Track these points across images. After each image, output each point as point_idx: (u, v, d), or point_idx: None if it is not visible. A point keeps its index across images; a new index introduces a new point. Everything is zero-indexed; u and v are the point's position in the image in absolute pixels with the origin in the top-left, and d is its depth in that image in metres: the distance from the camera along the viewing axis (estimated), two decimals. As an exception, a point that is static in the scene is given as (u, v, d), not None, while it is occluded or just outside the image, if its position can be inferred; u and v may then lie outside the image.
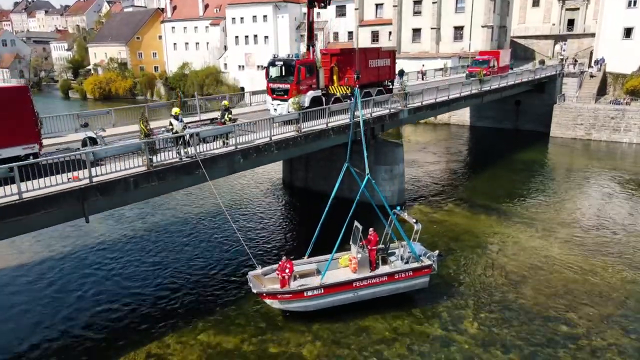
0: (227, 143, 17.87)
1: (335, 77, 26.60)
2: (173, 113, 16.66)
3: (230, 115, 18.60)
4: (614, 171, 35.68)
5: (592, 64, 54.31)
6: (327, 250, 17.77)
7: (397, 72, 43.84)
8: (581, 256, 21.53)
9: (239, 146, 18.07)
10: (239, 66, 78.04)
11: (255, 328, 16.39)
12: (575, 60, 52.39)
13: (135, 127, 23.71)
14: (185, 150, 16.39)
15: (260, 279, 17.37)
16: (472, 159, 41.80)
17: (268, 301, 16.70)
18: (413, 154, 41.15)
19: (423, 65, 48.21)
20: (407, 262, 17.80)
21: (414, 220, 17.74)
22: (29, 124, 14.64)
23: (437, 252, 18.39)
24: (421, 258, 17.65)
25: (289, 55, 24.10)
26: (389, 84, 29.76)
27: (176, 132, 16.37)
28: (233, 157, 17.99)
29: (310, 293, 16.42)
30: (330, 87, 25.14)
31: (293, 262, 17.79)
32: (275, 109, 23.85)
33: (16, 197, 12.54)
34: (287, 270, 16.45)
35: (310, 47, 25.30)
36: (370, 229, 18.38)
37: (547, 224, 25.38)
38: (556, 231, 24.32)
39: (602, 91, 53.03)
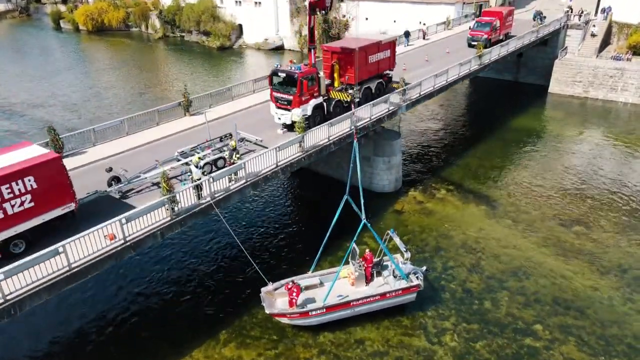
0: (237, 179, 19.58)
1: (336, 75, 27.37)
2: (193, 162, 18.25)
3: (238, 155, 19.99)
4: (608, 145, 37.32)
5: (599, 12, 53.15)
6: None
7: (403, 33, 44.15)
8: (556, 258, 24.15)
9: (248, 179, 19.85)
10: (236, 1, 75.22)
11: (268, 341, 19.42)
12: (582, 11, 51.09)
13: (147, 134, 25.34)
14: (200, 192, 18.24)
15: (271, 294, 20.13)
16: (468, 125, 42.68)
17: (279, 318, 19.59)
18: (409, 122, 42.28)
19: (424, 24, 47.40)
20: (398, 278, 20.45)
21: (405, 249, 20.11)
22: (64, 187, 16.33)
23: (424, 267, 20.99)
24: (410, 277, 20.23)
25: (290, 67, 24.58)
26: (389, 72, 30.33)
27: (193, 177, 18.13)
28: (244, 191, 19.86)
29: (314, 312, 19.25)
30: (331, 92, 25.99)
31: (299, 275, 20.71)
32: (280, 118, 25.03)
33: (67, 269, 14.76)
34: (294, 294, 19.13)
35: (312, 50, 25.75)
36: (367, 250, 20.90)
37: (531, 216, 27.70)
38: (538, 227, 26.69)
39: (606, 42, 52.62)
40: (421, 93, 29.61)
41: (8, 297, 13.67)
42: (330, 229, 20.06)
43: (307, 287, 20.52)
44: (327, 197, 28.84)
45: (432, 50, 42.06)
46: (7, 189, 14.83)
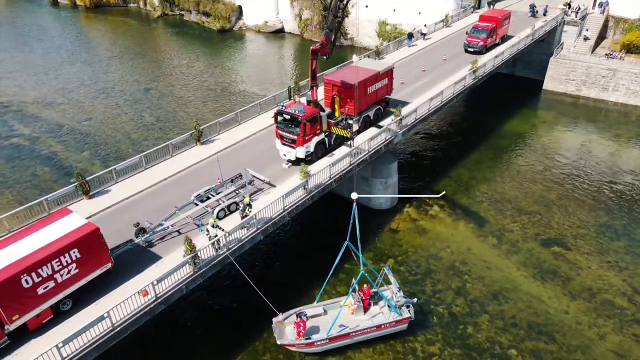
0: (248, 226, 22.06)
1: (336, 106, 29.29)
2: (210, 222, 20.66)
3: (250, 210, 22.28)
4: (594, 154, 39.47)
5: (596, 6, 53.66)
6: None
7: (406, 35, 45.78)
8: (534, 280, 26.96)
9: (259, 227, 22.34)
10: (235, -18, 74.77)
11: (279, 365, 22.58)
12: (579, 8, 51.68)
13: (163, 168, 27.51)
14: (219, 246, 20.80)
15: (282, 323, 23.08)
16: (462, 129, 43.93)
17: (288, 347, 22.62)
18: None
19: (425, 25, 48.29)
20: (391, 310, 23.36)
21: (397, 288, 22.89)
22: (102, 251, 18.86)
23: (415, 299, 23.82)
24: (402, 309, 23.11)
25: (294, 109, 26.34)
26: (387, 97, 32.09)
27: (210, 236, 20.63)
28: (255, 238, 22.39)
29: (318, 342, 22.25)
30: (332, 128, 27.92)
31: (305, 305, 23.65)
32: (285, 155, 27.18)
33: (110, 328, 17.54)
34: (301, 327, 22.07)
35: (314, 87, 27.52)
36: (365, 285, 23.67)
37: (514, 235, 30.32)
38: (520, 247, 29.37)
39: (602, 37, 53.52)
40: (417, 118, 31.47)
41: (65, 358, 16.49)
42: (332, 269, 22.73)
43: (313, 316, 23.44)
44: (328, 216, 31.33)
45: (429, 56, 43.35)
46: (57, 262, 17.40)
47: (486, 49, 42.96)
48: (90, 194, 25.20)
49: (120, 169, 26.42)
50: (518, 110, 47.00)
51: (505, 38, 46.09)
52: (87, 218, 22.81)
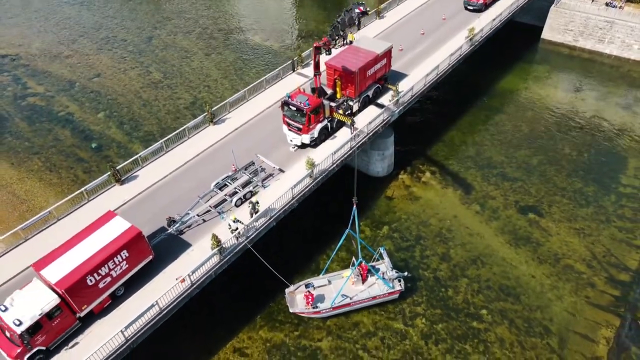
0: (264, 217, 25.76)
1: (338, 89, 31.57)
2: (232, 218, 24.24)
3: (258, 206, 25.61)
4: (578, 117, 41.88)
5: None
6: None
7: None
8: (509, 246, 31.17)
9: (272, 216, 26.04)
10: None
11: (291, 324, 27.43)
12: (584, -48, 50.63)
13: (182, 151, 30.52)
14: (241, 236, 24.67)
15: (293, 293, 27.70)
16: (457, 88, 45.35)
17: (299, 314, 27.40)
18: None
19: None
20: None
21: (391, 267, 27.12)
22: (145, 248, 22.77)
23: (405, 273, 28.13)
24: (394, 282, 27.56)
25: (299, 101, 28.67)
26: (386, 74, 34.03)
27: (231, 229, 24.38)
28: (269, 226, 26.16)
29: (324, 310, 26.97)
30: (334, 113, 30.41)
31: (313, 277, 28.16)
32: (291, 140, 30.06)
33: (159, 311, 21.97)
34: (309, 299, 26.65)
35: (317, 75, 29.67)
36: (362, 262, 27.87)
37: (496, 202, 34.05)
38: (500, 214, 33.25)
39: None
40: (413, 95, 33.74)
41: (128, 338, 21.08)
42: (336, 250, 26.81)
43: (319, 286, 27.98)
44: (333, 191, 34.53)
45: (430, 13, 43.97)
46: (111, 263, 21.39)
47: (486, 6, 43.48)
48: (122, 179, 28.55)
49: (144, 155, 29.47)
50: (515, 63, 48.38)
51: (506, -9, 46.18)
52: (121, 206, 26.92)
